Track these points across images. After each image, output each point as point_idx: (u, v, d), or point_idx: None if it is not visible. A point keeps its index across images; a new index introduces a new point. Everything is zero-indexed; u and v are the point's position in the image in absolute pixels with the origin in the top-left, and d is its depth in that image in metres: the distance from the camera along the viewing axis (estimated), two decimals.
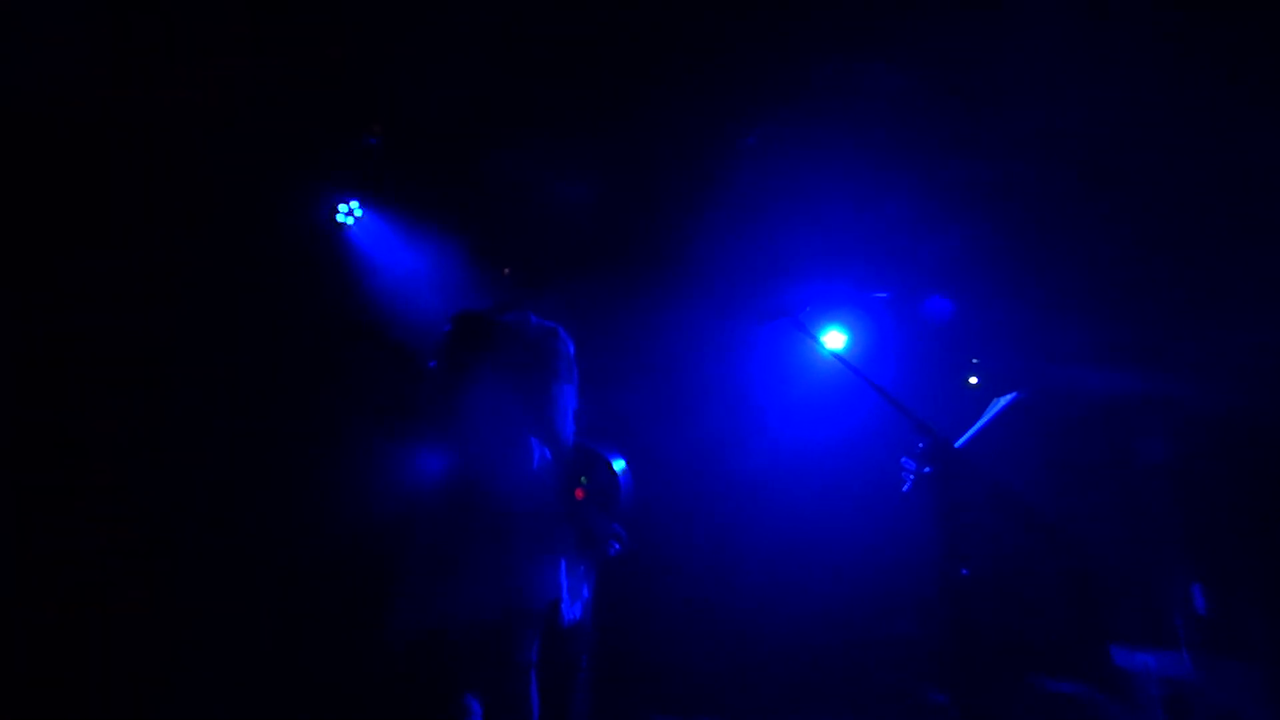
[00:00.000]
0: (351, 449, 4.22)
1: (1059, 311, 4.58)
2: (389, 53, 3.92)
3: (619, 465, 2.86)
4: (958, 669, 3.16)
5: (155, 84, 3.67)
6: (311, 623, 3.99)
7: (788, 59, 4.05)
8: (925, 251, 4.88)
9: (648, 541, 2.98)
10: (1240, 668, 3.54)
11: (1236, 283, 3.96)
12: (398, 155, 4.49)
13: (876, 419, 4.45)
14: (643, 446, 3.13)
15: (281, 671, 3.85)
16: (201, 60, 3.65)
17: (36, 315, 3.75)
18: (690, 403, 5.04)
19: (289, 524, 4.05)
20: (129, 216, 3.93)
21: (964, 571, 2.72)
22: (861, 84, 4.15)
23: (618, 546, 2.78)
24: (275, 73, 3.79)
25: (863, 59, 4.06)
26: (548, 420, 2.71)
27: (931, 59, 4.00)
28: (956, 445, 3.05)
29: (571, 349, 2.87)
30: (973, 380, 5.14)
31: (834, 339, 4.93)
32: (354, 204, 4.48)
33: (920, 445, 2.83)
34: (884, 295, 5.22)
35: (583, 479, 2.78)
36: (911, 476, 2.97)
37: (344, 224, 4.49)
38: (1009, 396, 3.25)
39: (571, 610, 2.65)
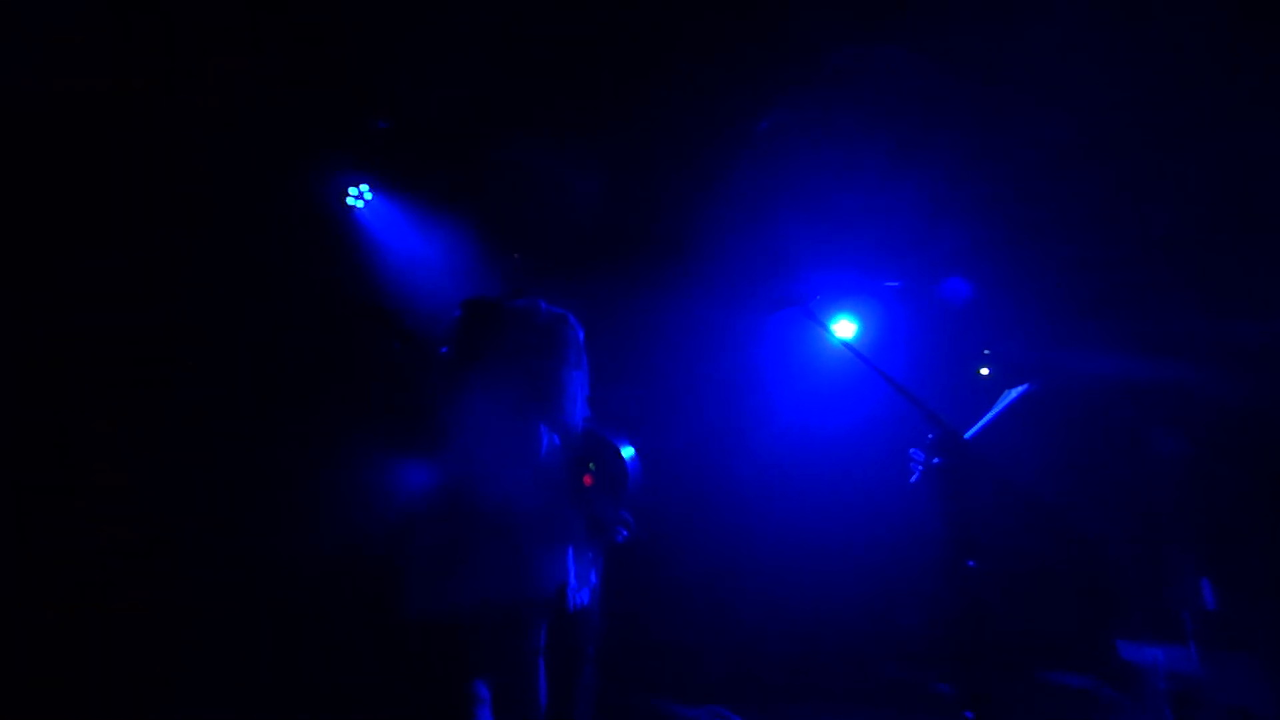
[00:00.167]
0: (359, 437, 4.22)
1: (1071, 301, 4.55)
2: (398, 41, 3.89)
3: (628, 452, 2.86)
4: (965, 661, 3.15)
5: (161, 74, 3.64)
6: (315, 619, 4.00)
7: (798, 45, 4.02)
8: (937, 241, 4.85)
9: (656, 529, 2.98)
10: (1249, 663, 3.52)
11: (1251, 272, 3.92)
12: (408, 139, 4.47)
13: (886, 409, 4.45)
14: (652, 435, 3.12)
15: (283, 670, 3.86)
16: (205, 50, 3.63)
17: (36, 315, 3.75)
18: (700, 392, 5.04)
19: (292, 518, 4.04)
20: (132, 208, 3.90)
21: (971, 563, 2.71)
22: (873, 71, 4.11)
23: (625, 533, 2.78)
24: (282, 60, 3.76)
25: (873, 46, 4.02)
26: (557, 406, 2.70)
27: (942, 46, 3.96)
28: (966, 436, 3.04)
29: (581, 335, 2.87)
30: (984, 371, 5.11)
31: (844, 328, 4.91)
32: (364, 187, 4.47)
33: (930, 436, 2.82)
34: (895, 284, 5.19)
35: (591, 465, 2.78)
36: (920, 467, 2.96)
37: (354, 207, 4.48)
38: (1020, 388, 3.23)
39: (579, 596, 2.65)
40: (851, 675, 4.63)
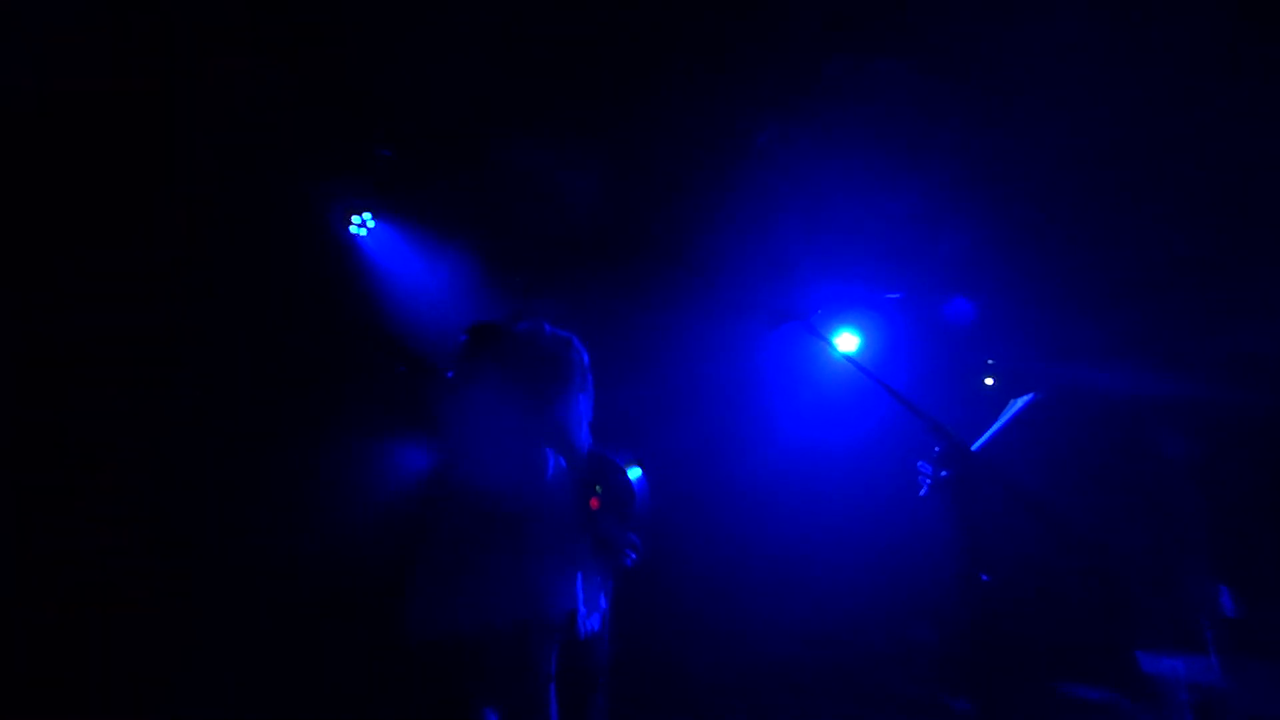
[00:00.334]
0: (364, 459, 4.21)
1: (1077, 310, 4.53)
2: (395, 59, 3.91)
3: (634, 474, 2.84)
4: (980, 676, 3.11)
5: (161, 74, 3.64)
6: (315, 620, 3.98)
7: (798, 57, 4.03)
8: (940, 251, 4.84)
9: (664, 550, 2.96)
10: (1272, 671, 3.47)
11: (1258, 280, 3.91)
12: (410, 167, 4.50)
13: (891, 423, 4.42)
14: (656, 453, 3.10)
15: (284, 671, 3.84)
16: (205, 51, 3.62)
17: (36, 315, 3.75)
18: (704, 408, 5.02)
19: (293, 519, 4.03)
20: (132, 209, 3.91)
21: (984, 577, 2.68)
22: (873, 82, 4.12)
23: (634, 556, 2.75)
24: (282, 60, 3.76)
25: (874, 57, 4.04)
26: (562, 430, 2.69)
27: (943, 52, 3.97)
28: (974, 448, 3.01)
29: (586, 358, 2.86)
30: (989, 381, 5.09)
31: (847, 341, 4.90)
32: (366, 215, 4.50)
33: (936, 449, 2.80)
34: (897, 296, 5.18)
35: (598, 488, 2.76)
36: (929, 481, 2.93)
37: (357, 235, 4.51)
38: (1027, 397, 3.21)
39: (589, 622, 2.62)
40: (866, 694, 4.57)
